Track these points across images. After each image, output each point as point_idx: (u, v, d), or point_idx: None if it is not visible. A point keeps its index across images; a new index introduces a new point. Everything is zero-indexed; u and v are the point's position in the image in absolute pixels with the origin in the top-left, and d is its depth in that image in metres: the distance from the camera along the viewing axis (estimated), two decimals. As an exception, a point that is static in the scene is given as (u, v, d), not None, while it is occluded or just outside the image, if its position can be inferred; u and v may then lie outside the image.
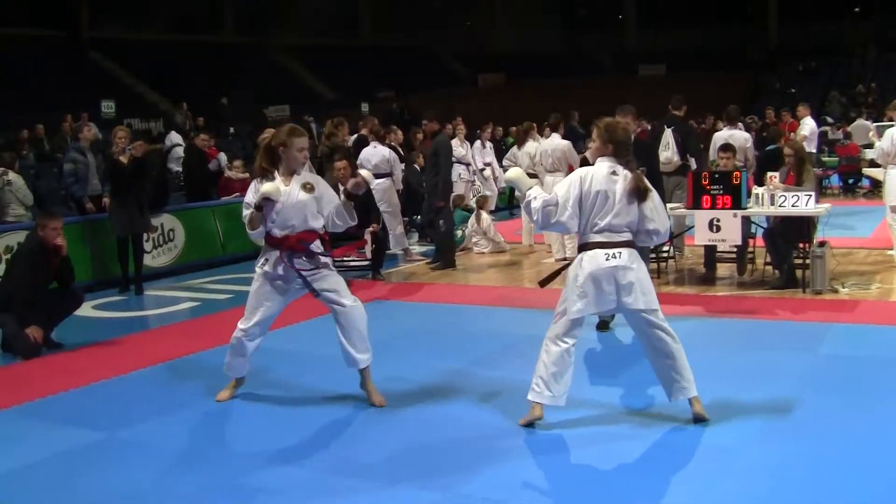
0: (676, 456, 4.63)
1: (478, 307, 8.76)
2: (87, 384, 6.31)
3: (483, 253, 12.13)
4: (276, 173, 5.45)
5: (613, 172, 4.86)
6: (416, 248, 12.59)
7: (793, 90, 33.51)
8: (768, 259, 9.12)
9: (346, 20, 43.92)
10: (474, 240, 12.34)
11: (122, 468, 4.71)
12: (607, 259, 4.79)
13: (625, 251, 4.83)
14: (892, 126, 10.08)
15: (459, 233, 12.54)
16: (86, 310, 8.60)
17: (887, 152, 9.86)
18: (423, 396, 5.66)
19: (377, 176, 10.92)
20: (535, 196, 4.95)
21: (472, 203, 13.15)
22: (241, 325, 5.62)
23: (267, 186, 5.33)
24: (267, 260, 5.52)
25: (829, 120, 26.29)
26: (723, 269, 9.67)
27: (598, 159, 4.96)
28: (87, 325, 8.34)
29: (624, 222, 4.86)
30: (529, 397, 4.97)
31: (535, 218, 4.99)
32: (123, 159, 9.71)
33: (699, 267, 9.83)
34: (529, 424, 4.99)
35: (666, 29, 45.19)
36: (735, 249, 9.41)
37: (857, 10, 42.35)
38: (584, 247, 4.91)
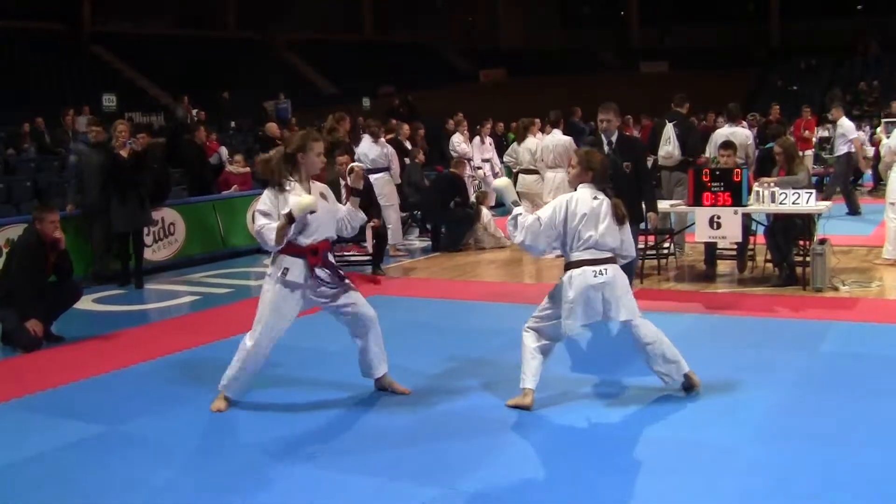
0: (676, 454, 4.62)
1: (478, 302, 8.75)
2: (87, 378, 6.32)
3: (483, 248, 12.12)
4: (294, 181, 5.24)
5: (595, 197, 5.23)
6: (416, 244, 12.61)
7: (794, 87, 33.43)
8: (769, 256, 9.12)
9: (348, 15, 43.87)
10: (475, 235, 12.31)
11: (123, 462, 4.72)
12: (595, 276, 5.13)
13: (609, 267, 5.19)
14: None
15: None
16: (86, 303, 8.61)
17: (894, 150, 9.87)
18: (423, 392, 5.66)
19: (375, 171, 10.95)
20: (521, 213, 5.23)
21: (472, 199, 13.12)
22: (250, 341, 5.31)
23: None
24: (287, 269, 5.21)
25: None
26: (723, 267, 9.66)
27: (580, 185, 5.29)
28: (87, 318, 8.35)
29: (608, 241, 5.19)
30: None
31: (518, 237, 5.22)
32: (124, 153, 9.71)
33: (699, 264, 9.81)
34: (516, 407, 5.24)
35: (668, 26, 45.14)
36: (735, 246, 9.41)
37: (859, 6, 42.27)
38: (571, 265, 5.19)
